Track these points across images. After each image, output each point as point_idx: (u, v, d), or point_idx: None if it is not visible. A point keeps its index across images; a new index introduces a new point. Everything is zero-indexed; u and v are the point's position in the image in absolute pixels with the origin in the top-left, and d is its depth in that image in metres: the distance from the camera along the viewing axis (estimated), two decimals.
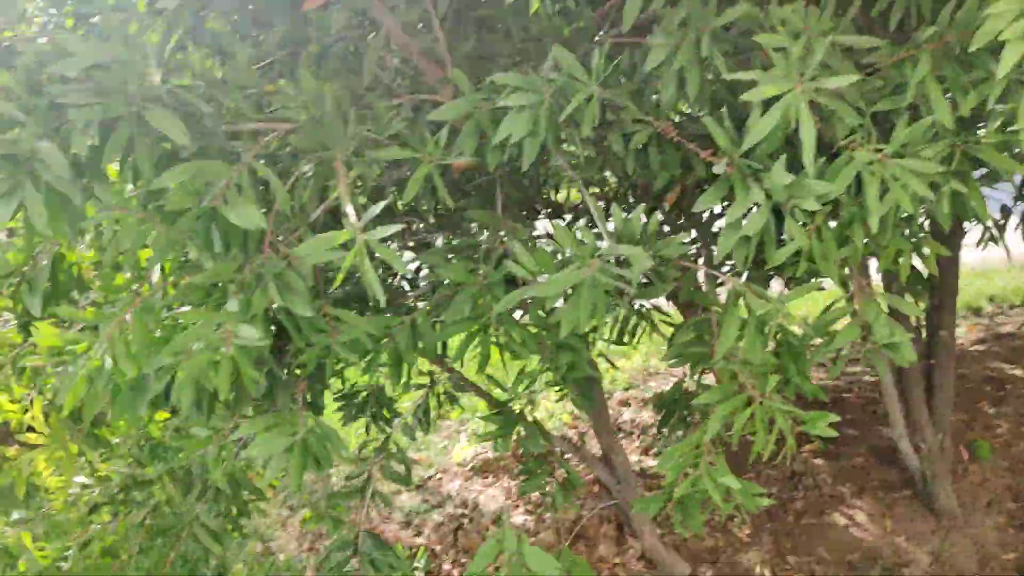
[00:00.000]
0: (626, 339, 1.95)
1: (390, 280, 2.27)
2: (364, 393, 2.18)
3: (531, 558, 1.69)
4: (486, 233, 1.80)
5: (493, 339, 1.40)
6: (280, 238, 1.37)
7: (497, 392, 3.45)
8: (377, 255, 1.18)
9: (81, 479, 2.17)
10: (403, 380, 1.49)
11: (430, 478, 4.12)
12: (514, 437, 2.81)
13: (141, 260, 1.54)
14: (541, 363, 1.71)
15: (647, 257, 1.16)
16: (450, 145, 1.46)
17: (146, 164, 1.17)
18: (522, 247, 1.25)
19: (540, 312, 1.40)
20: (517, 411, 1.91)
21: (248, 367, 1.17)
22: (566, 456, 2.56)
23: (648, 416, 4.41)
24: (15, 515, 2.08)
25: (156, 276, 1.46)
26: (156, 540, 2.16)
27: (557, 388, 2.08)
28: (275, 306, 1.28)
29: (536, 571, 1.69)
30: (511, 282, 1.51)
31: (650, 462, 3.85)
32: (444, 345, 2.13)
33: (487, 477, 4.15)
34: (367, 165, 1.38)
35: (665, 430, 2.27)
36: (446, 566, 3.42)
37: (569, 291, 1.20)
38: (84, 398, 1.41)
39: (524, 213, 2.04)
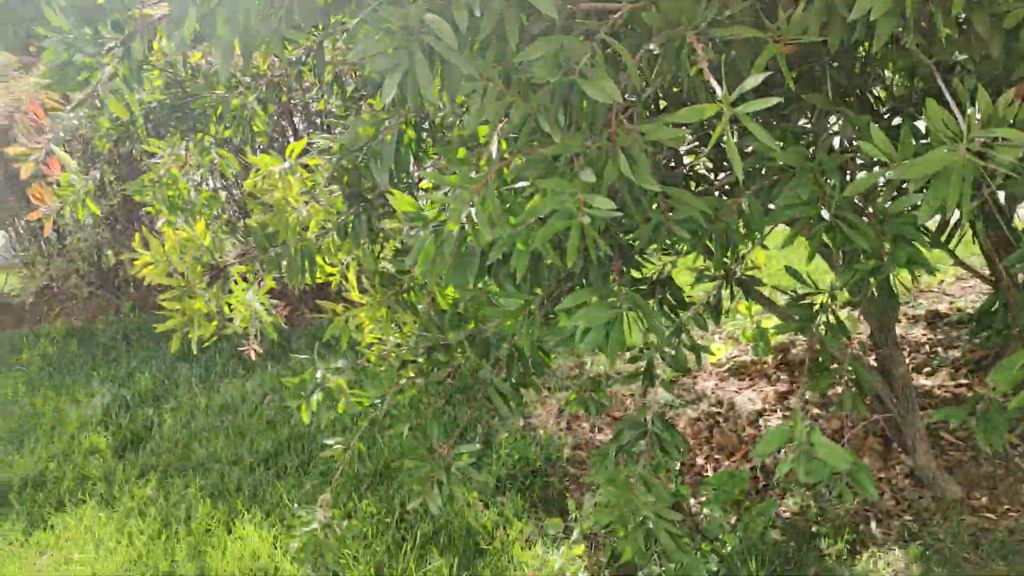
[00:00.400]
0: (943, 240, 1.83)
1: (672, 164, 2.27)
2: (654, 280, 2.21)
3: (821, 449, 1.68)
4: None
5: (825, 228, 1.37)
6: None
7: (776, 296, 3.38)
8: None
9: (393, 338, 2.40)
10: (729, 264, 1.49)
11: (683, 375, 4.16)
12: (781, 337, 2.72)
13: (480, 135, 1.64)
14: (850, 265, 1.66)
15: None
16: None
17: (513, 37, 1.23)
18: (878, 129, 1.20)
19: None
20: (818, 305, 1.87)
21: (596, 236, 1.23)
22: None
23: (919, 333, 4.17)
24: (338, 363, 2.34)
25: (495, 150, 1.54)
26: (455, 398, 2.37)
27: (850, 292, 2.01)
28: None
29: (826, 462, 1.68)
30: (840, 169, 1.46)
31: (922, 380, 3.66)
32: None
33: (743, 379, 4.14)
34: (707, 43, 1.37)
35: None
36: (699, 460, 3.48)
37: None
38: (431, 262, 1.54)
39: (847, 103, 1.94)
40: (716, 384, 4.13)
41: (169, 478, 3.69)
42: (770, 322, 4.36)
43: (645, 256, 2.23)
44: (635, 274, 2.19)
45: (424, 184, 2.51)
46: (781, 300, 3.06)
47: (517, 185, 1.50)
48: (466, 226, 1.47)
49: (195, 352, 2.39)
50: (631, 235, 1.65)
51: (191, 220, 2.80)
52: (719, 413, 3.81)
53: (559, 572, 2.77)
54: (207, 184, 5.40)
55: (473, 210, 1.31)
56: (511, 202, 1.42)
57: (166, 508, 3.44)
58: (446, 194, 1.46)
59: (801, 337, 4.36)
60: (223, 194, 5.73)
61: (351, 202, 2.45)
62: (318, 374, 2.33)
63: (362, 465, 2.89)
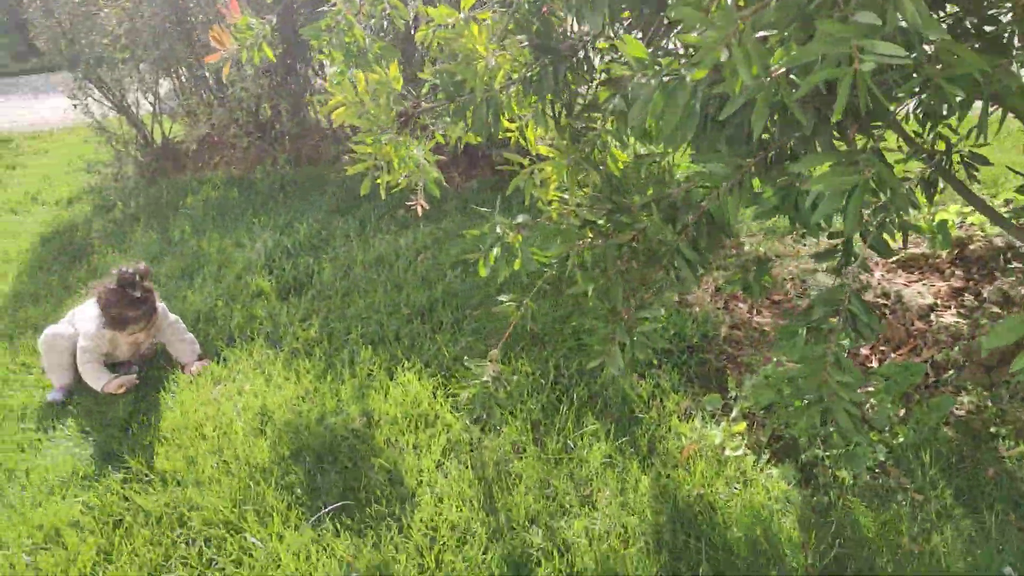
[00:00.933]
0: None
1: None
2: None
3: None
4: None
5: None
6: None
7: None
8: None
9: (574, 197, 2.35)
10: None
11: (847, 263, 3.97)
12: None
13: None
14: None
15: None
16: None
17: None
18: None
19: None
20: None
21: (871, 86, 1.12)
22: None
23: None
24: (519, 218, 2.32)
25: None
26: (636, 262, 2.31)
27: None
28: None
29: None
30: None
31: None
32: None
33: (912, 272, 3.92)
34: None
35: None
36: (864, 351, 3.36)
37: None
38: (660, 114, 1.46)
39: None
40: (883, 275, 3.94)
41: (330, 324, 3.84)
42: (945, 214, 4.09)
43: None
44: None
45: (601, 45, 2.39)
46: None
47: (760, 34, 1.38)
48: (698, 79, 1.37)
49: (383, 197, 2.41)
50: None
51: (372, 67, 2.78)
52: (886, 305, 3.64)
53: (719, 447, 2.76)
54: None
55: (725, 55, 1.21)
56: (758, 51, 1.31)
57: (330, 351, 3.60)
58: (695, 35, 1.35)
59: (980, 232, 4.08)
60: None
61: (538, 54, 2.36)
62: (498, 229, 2.31)
63: (534, 324, 2.92)
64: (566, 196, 2.39)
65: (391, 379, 3.33)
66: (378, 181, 2.31)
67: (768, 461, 2.69)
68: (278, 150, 6.47)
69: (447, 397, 3.16)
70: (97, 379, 3.47)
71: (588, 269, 2.34)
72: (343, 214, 5.27)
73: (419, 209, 2.60)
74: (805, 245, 4.27)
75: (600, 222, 2.37)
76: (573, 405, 3.03)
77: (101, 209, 6.03)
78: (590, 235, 2.36)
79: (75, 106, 6.55)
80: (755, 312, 3.70)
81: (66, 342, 3.52)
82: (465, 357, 3.06)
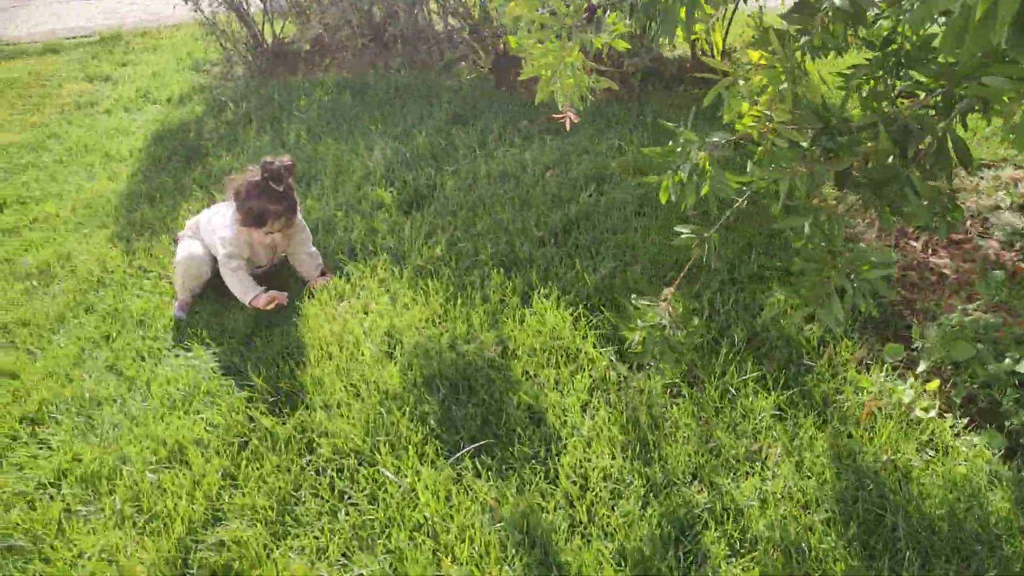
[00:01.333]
0: None
1: None
2: None
3: None
4: None
5: None
6: None
7: None
8: None
9: (780, 114, 2.00)
10: None
11: None
12: None
13: None
14: None
15: None
16: None
17: None
18: None
19: None
20: None
21: None
22: None
23: None
24: (714, 137, 1.99)
25: None
26: (854, 192, 1.97)
27: None
28: None
29: None
30: None
31: None
32: None
33: None
34: None
35: None
36: None
37: None
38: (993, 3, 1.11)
39: None
40: None
41: (457, 242, 3.58)
42: None
43: None
44: None
45: None
46: None
47: None
48: None
49: (559, 107, 2.10)
50: None
51: None
52: None
53: (906, 406, 2.43)
54: None
55: None
56: None
57: (458, 271, 3.35)
58: None
59: None
60: None
61: None
62: (691, 149, 1.99)
63: (718, 260, 2.59)
64: (768, 113, 2.04)
65: (526, 306, 3.07)
66: (553, 88, 2.00)
67: (966, 427, 2.36)
68: (392, 53, 6.16)
69: (590, 329, 2.89)
70: (244, 290, 3.26)
71: (795, 198, 2.01)
72: (462, 124, 4.97)
73: (567, 123, 2.29)
74: (983, 178, 3.80)
75: (804, 144, 2.02)
76: (734, 346, 2.73)
77: (213, 109, 5.86)
78: (795, 163, 2.02)
79: (186, 1, 6.35)
80: (930, 252, 3.30)
81: (205, 266, 3.34)
82: (633, 296, 2.77)
